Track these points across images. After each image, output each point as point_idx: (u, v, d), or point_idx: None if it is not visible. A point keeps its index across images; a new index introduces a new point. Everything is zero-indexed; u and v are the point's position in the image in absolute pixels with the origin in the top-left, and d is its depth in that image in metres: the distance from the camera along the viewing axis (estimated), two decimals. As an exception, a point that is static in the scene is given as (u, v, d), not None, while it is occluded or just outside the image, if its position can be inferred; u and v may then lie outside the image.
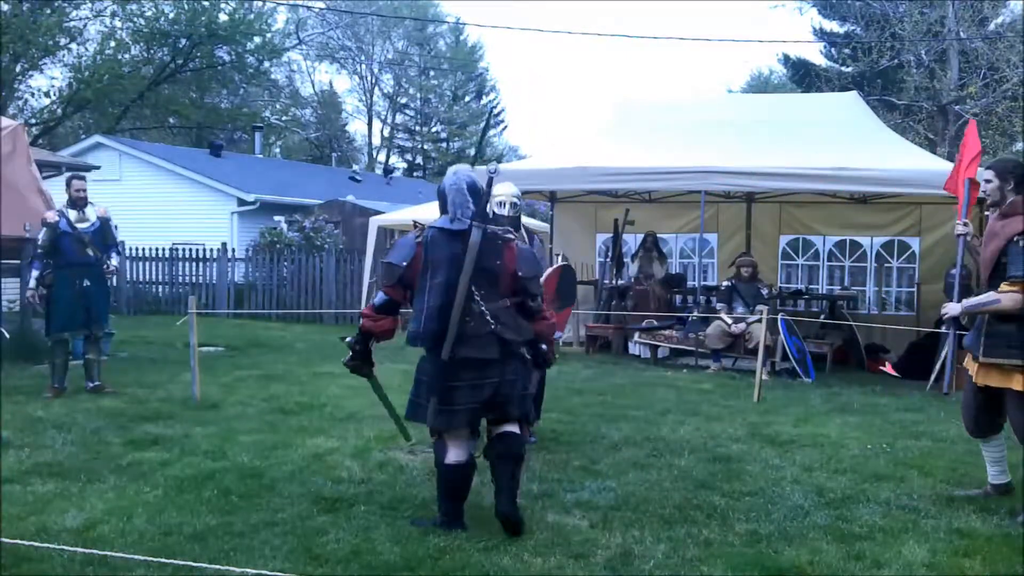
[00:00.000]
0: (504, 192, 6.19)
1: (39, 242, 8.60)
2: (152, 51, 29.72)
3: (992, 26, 23.70)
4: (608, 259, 13.35)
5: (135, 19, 27.93)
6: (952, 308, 5.41)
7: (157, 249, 19.01)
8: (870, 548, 4.67)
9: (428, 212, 17.41)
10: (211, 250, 19.10)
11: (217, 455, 6.29)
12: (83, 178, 9.02)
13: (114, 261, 8.99)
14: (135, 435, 6.90)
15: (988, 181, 5.19)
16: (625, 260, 13.36)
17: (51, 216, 8.70)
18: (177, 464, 6.07)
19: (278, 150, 47.27)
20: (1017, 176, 5.10)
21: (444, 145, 51.71)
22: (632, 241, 13.76)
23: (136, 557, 4.10)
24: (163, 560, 4.06)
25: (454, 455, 4.71)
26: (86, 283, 8.72)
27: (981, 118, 20.81)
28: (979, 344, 5.14)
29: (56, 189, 12.44)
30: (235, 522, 4.85)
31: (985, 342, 5.11)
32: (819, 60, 29.00)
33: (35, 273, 8.57)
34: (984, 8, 22.57)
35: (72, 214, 8.71)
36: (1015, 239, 4.93)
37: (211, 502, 5.21)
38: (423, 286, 4.63)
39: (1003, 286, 4.94)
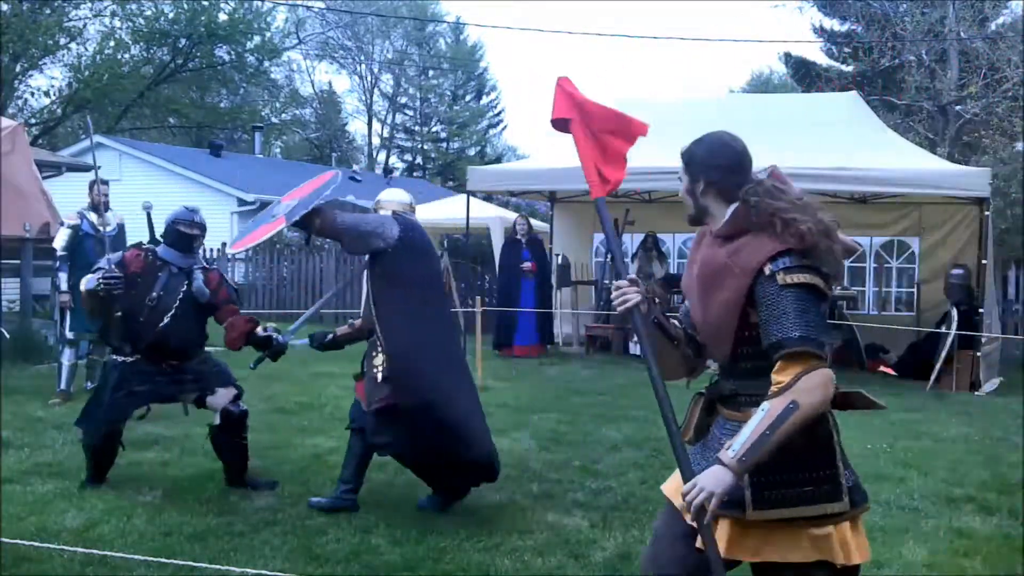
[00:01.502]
0: None
1: (62, 244, 8.54)
2: (152, 51, 29.69)
3: (993, 26, 23.67)
4: (607, 259, 13.35)
5: (135, 19, 27.90)
6: (706, 484, 2.47)
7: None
8: (870, 548, 4.66)
9: (428, 212, 17.41)
10: (211, 250, 19.06)
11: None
12: (106, 183, 8.98)
13: None
14: (135, 436, 6.86)
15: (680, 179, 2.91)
16: (624, 260, 13.34)
17: (72, 218, 8.69)
18: (177, 464, 6.08)
19: (278, 150, 47.25)
20: (716, 169, 2.80)
21: (444, 145, 51.68)
22: (629, 241, 13.74)
23: (136, 557, 4.11)
24: (163, 560, 4.07)
25: None
26: None
27: (982, 118, 20.80)
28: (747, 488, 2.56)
29: (56, 189, 12.45)
30: (235, 522, 4.85)
31: (756, 483, 2.56)
32: (820, 59, 28.99)
33: (64, 276, 8.48)
34: (985, 8, 22.54)
35: (93, 217, 8.71)
36: (766, 271, 2.58)
37: (211, 502, 5.21)
38: None
39: (781, 370, 2.51)
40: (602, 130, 3.01)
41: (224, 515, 4.97)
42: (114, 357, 5.63)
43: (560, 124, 3.03)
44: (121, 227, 8.93)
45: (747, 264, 2.60)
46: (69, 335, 8.54)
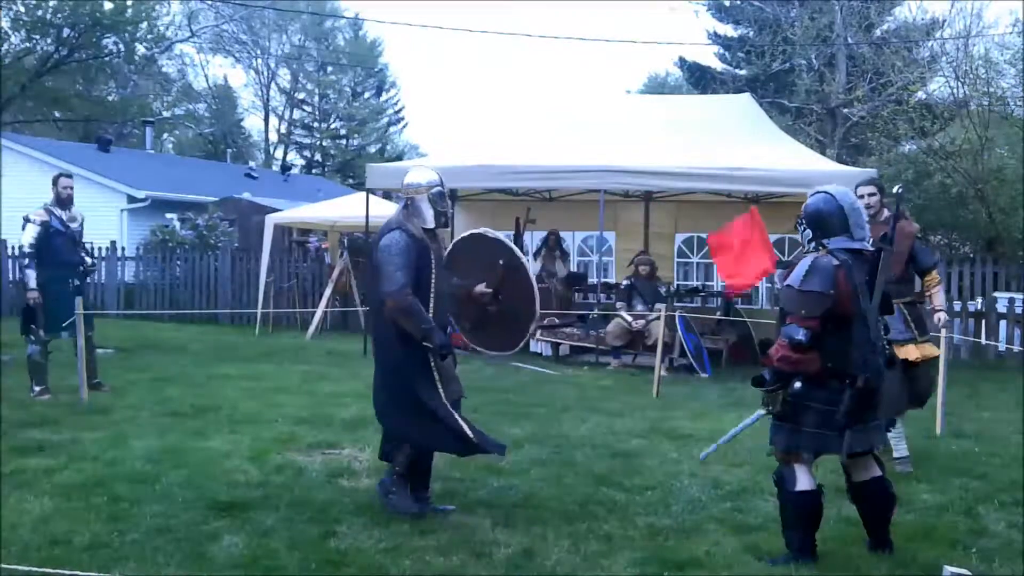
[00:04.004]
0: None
1: (31, 241, 8.26)
2: (34, 40, 28.56)
3: (878, 32, 24.58)
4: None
5: (13, 5, 26.77)
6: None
7: (42, 247, 18.28)
8: (764, 539, 4.78)
9: (327, 210, 17.18)
10: (100, 248, 18.45)
11: (107, 461, 6.07)
12: (71, 176, 8.72)
13: (89, 259, 8.88)
14: (19, 441, 6.60)
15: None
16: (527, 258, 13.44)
17: (40, 214, 8.37)
18: (64, 471, 5.83)
19: (170, 145, 45.97)
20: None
21: (343, 142, 51.12)
22: (530, 239, 13.81)
23: (20, 568, 3.93)
24: (49, 570, 3.90)
25: (807, 482, 4.45)
26: (75, 283, 8.53)
27: (868, 121, 21.56)
28: None
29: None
30: (126, 529, 4.69)
31: None
32: (715, 63, 29.65)
33: (32, 274, 8.25)
34: (871, 15, 23.39)
35: (62, 213, 8.42)
36: None
37: (101, 509, 5.02)
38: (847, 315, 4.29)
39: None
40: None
41: (115, 522, 4.80)
42: None
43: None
44: (82, 221, 8.71)
45: None
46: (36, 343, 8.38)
